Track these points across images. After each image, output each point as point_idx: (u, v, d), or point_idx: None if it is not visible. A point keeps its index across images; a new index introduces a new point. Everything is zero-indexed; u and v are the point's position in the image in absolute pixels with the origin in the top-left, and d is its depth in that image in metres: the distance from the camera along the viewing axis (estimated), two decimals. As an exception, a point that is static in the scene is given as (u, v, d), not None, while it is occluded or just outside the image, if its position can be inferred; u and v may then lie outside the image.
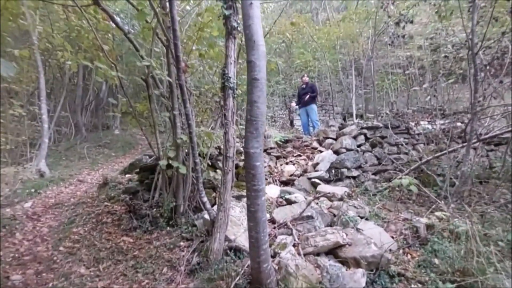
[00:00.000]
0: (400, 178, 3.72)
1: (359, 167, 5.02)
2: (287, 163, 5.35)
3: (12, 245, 3.60)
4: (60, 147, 11.26)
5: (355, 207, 3.38)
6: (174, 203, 3.74)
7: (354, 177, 4.95)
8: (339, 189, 4.09)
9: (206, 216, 3.14)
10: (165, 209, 3.75)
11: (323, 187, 4.24)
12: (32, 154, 8.33)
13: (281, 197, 4.04)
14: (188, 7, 5.91)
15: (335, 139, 5.49)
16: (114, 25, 3.39)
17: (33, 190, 5.68)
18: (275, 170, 5.13)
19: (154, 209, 3.93)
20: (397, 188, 4.10)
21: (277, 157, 5.56)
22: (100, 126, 13.32)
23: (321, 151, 5.40)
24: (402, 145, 5.31)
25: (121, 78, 3.04)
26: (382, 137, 5.44)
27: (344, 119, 12.05)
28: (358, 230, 3.02)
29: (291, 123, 11.69)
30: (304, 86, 7.36)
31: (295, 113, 11.47)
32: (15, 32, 7.65)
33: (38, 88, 7.34)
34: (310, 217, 3.13)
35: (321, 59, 10.70)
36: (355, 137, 5.23)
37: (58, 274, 2.98)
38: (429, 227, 3.13)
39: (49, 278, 2.93)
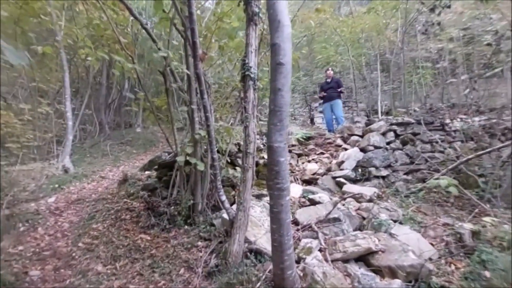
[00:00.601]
0: (437, 178, 3.36)
1: (388, 166, 4.65)
2: (309, 161, 5.08)
3: (34, 240, 3.62)
4: (85, 144, 11.64)
5: (387, 209, 3.07)
6: (192, 201, 3.60)
7: (383, 177, 4.59)
8: (367, 190, 3.77)
9: (225, 216, 2.97)
10: (183, 207, 3.63)
11: (350, 187, 3.93)
12: (59, 151, 8.62)
13: (304, 197, 3.79)
14: (208, 5, 5.80)
15: (361, 136, 5.15)
16: (132, 18, 3.30)
17: (57, 185, 5.81)
18: (297, 168, 4.88)
19: (172, 207, 3.82)
20: (434, 189, 3.72)
21: (299, 155, 5.30)
22: (122, 124, 13.64)
23: (346, 149, 5.07)
24: (437, 142, 4.86)
25: (139, 72, 2.94)
26: (414, 134, 5.02)
27: (368, 116, 11.51)
28: (391, 235, 2.72)
29: (312, 121, 11.31)
30: (328, 80, 7.01)
31: (315, 110, 11.08)
32: (43, 32, 7.93)
33: (64, 87, 7.54)
34: (337, 220, 2.86)
35: (343, 54, 10.25)
36: (384, 134, 4.86)
37: (75, 271, 2.93)
38: (475, 233, 2.76)
39: (66, 275, 2.88)
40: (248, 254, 2.61)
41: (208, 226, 3.41)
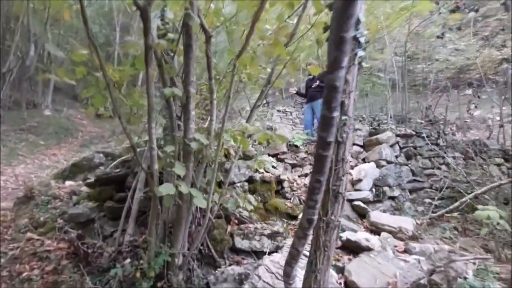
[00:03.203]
0: (485, 209, 2.73)
1: (398, 185, 3.99)
2: (306, 175, 4.05)
3: None
4: (-41, 128, 8.12)
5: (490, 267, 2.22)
6: (169, 252, 2.11)
7: (393, 198, 3.90)
8: (404, 221, 2.93)
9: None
10: (151, 261, 2.09)
11: (379, 217, 3.04)
12: None
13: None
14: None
15: (362, 147, 4.39)
16: None
17: None
18: (296, 184, 3.78)
19: (128, 260, 2.23)
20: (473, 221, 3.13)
21: (292, 166, 4.22)
22: (24, 104, 10.17)
23: (348, 161, 4.22)
24: (453, 157, 4.45)
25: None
26: (415, 148, 4.52)
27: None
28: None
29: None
30: (312, 77, 6.04)
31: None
32: None
33: None
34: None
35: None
36: (391, 146, 4.18)
37: None
38: None
39: None
40: None
41: (202, 297, 2.01)
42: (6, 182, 4.60)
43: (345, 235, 2.57)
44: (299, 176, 4.05)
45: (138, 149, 3.10)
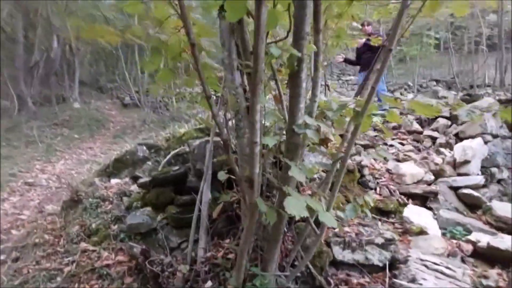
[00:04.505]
0: None
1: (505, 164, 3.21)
2: (382, 158, 3.37)
3: None
4: (-3, 126, 8.17)
5: None
6: (264, 274, 1.59)
7: (499, 181, 3.15)
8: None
9: None
10: (240, 287, 1.59)
11: (506, 209, 2.35)
12: None
13: (453, 236, 2.09)
14: None
15: (449, 118, 3.60)
16: None
17: None
18: (376, 170, 3.13)
19: (209, 282, 1.76)
20: None
21: (364, 146, 3.55)
22: (53, 98, 10.10)
23: (432, 137, 3.50)
24: None
25: None
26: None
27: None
28: None
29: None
30: (364, 42, 5.11)
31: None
32: None
33: None
34: None
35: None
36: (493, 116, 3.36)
37: None
38: None
39: None
40: None
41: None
42: (49, 181, 4.36)
43: (481, 238, 1.93)
44: (375, 160, 3.38)
45: (193, 142, 2.57)
